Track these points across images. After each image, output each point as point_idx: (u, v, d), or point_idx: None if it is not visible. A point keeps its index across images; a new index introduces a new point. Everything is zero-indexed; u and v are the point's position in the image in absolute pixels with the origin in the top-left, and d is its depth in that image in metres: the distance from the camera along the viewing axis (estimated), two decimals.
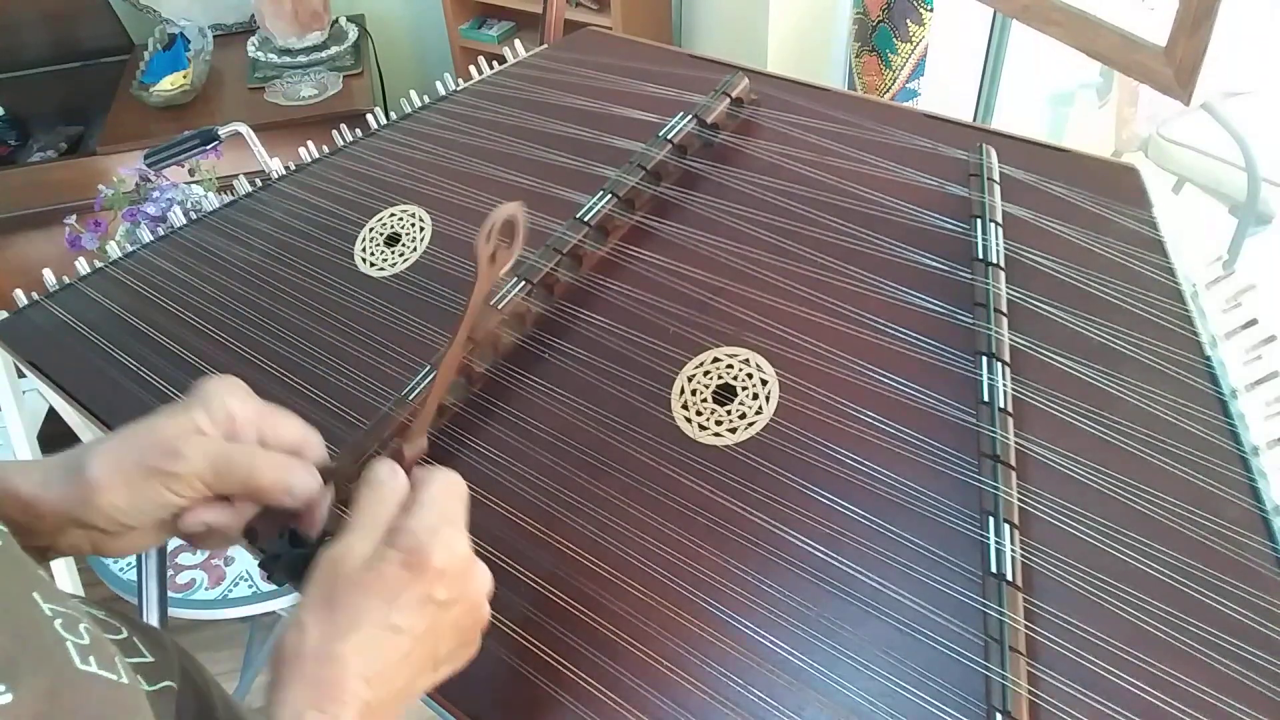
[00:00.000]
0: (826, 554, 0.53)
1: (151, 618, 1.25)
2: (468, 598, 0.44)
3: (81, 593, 1.64)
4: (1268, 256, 1.84)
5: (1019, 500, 0.53)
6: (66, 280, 0.83)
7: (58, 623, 0.33)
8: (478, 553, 0.56)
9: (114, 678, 0.33)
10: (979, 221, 0.66)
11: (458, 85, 0.96)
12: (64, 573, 1.62)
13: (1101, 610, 0.49)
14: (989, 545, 0.51)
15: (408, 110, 0.94)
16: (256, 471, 0.45)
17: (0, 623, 0.30)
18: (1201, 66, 0.75)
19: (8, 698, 0.28)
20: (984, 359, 0.59)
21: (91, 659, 0.33)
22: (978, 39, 1.64)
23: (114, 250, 0.85)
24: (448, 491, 0.45)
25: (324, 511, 0.49)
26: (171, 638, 0.46)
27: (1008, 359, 0.59)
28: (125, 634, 0.42)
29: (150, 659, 0.41)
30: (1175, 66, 0.78)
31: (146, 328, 0.76)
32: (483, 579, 0.45)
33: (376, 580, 0.41)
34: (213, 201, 0.89)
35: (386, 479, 0.45)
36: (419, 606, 0.41)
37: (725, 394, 0.62)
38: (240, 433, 0.47)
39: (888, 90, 1.93)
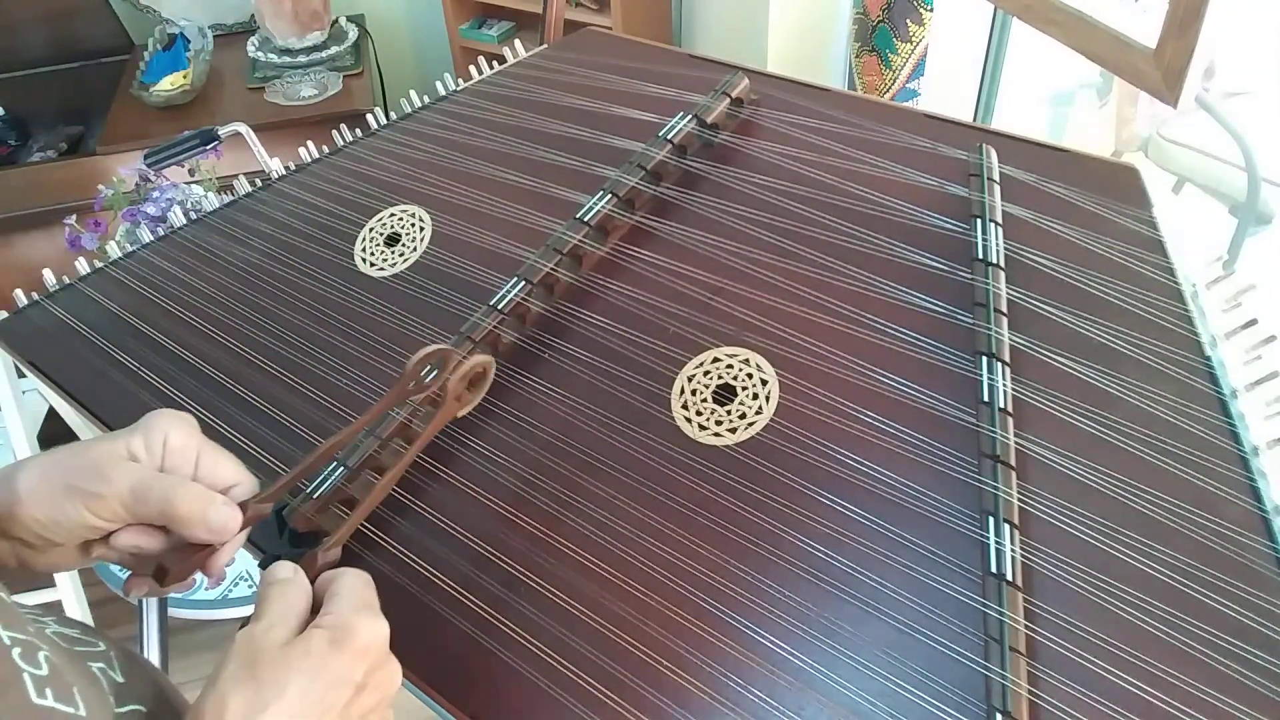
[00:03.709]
0: (826, 554, 0.53)
1: (151, 617, 1.25)
2: (381, 687, 0.44)
3: (81, 591, 1.64)
4: (1268, 256, 1.84)
5: (1019, 500, 0.53)
6: (66, 280, 0.83)
7: (16, 652, 0.32)
8: (478, 551, 0.57)
9: (70, 710, 0.33)
10: (979, 221, 0.66)
11: (458, 85, 0.96)
12: (65, 574, 1.62)
13: (1101, 610, 0.49)
14: (989, 545, 0.51)
15: (408, 110, 0.94)
16: (175, 500, 0.45)
17: None
18: (1189, 69, 0.75)
19: None
20: (984, 359, 0.59)
21: (48, 691, 0.33)
22: (978, 39, 1.64)
23: (114, 250, 0.85)
24: (363, 581, 0.46)
25: (229, 555, 0.49)
26: (152, 665, 0.46)
27: (1008, 359, 0.59)
28: (104, 647, 0.42)
29: (122, 680, 0.41)
30: (1163, 69, 0.78)
31: (146, 328, 0.76)
32: (395, 674, 0.45)
33: (302, 656, 0.41)
34: (213, 201, 0.89)
35: (290, 576, 0.45)
36: (339, 686, 0.41)
37: (725, 394, 0.62)
38: (174, 465, 0.47)
39: (888, 90, 1.93)
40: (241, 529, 0.48)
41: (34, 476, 0.45)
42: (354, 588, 0.45)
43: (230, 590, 1.45)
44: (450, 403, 0.55)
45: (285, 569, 0.46)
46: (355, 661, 0.42)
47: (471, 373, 0.56)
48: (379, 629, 0.44)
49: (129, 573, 0.49)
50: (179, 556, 0.47)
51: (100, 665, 0.40)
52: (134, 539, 0.47)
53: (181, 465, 0.48)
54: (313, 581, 0.46)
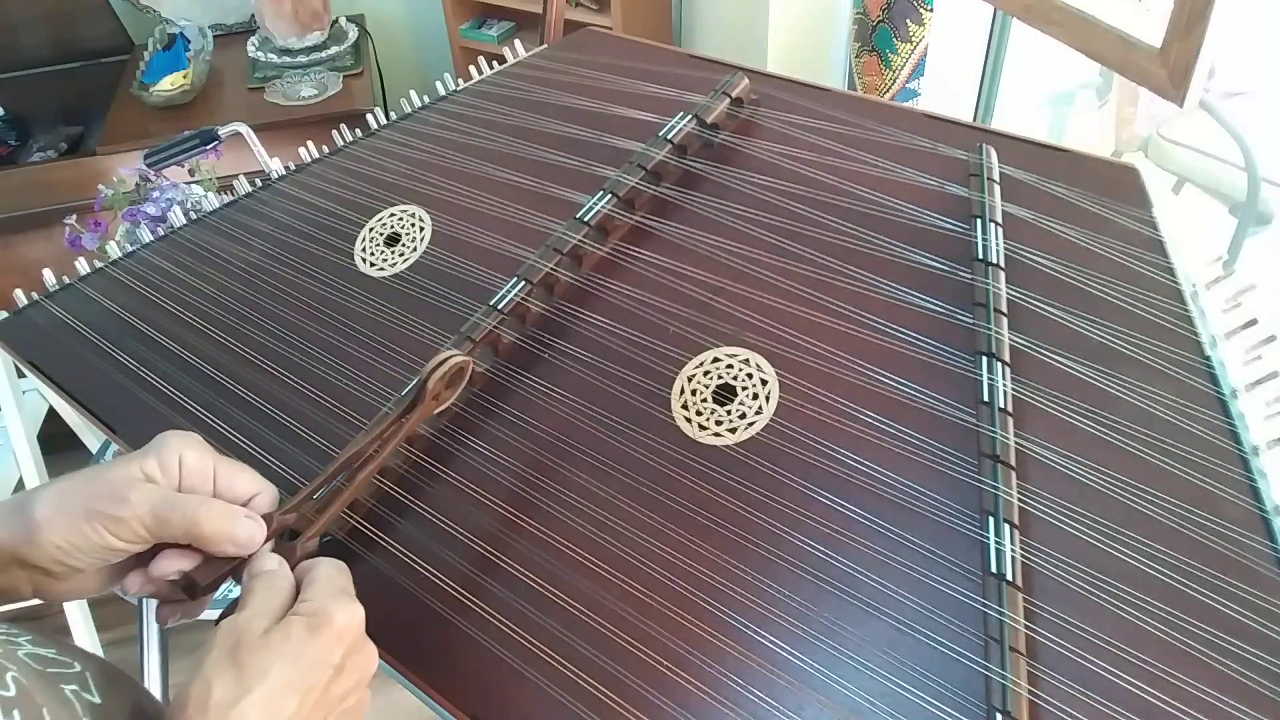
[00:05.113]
0: (826, 554, 0.53)
1: (151, 617, 1.24)
2: (358, 669, 0.45)
3: None
4: (1268, 256, 1.84)
5: (1019, 500, 0.53)
6: (66, 280, 0.83)
7: None
8: (478, 551, 0.57)
9: None
10: (979, 221, 0.66)
11: (458, 85, 0.96)
12: None
13: (1101, 610, 0.49)
14: (989, 545, 0.51)
15: (408, 110, 0.94)
16: (200, 519, 0.46)
17: None
18: (1195, 69, 0.75)
19: None
20: (984, 359, 0.59)
21: (15, 713, 0.33)
22: (978, 39, 1.64)
23: (114, 250, 0.85)
24: (337, 568, 0.48)
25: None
26: (135, 683, 0.46)
27: (1008, 359, 0.59)
28: (79, 668, 0.42)
29: (98, 700, 0.42)
30: (1169, 68, 0.78)
31: (146, 328, 0.76)
32: (372, 657, 0.47)
33: (282, 641, 0.43)
34: (213, 201, 0.89)
35: (275, 568, 0.47)
36: (318, 669, 0.43)
37: (725, 394, 0.62)
38: (193, 484, 0.48)
39: (888, 90, 1.93)
40: (267, 539, 0.49)
41: (50, 504, 0.45)
42: (328, 575, 0.47)
43: (230, 590, 1.44)
44: (429, 402, 0.57)
45: (270, 560, 0.47)
46: (333, 645, 0.44)
47: (450, 372, 0.57)
48: (355, 613, 0.45)
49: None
50: (206, 569, 0.48)
51: (74, 687, 0.40)
52: (174, 563, 0.47)
53: (200, 483, 0.49)
54: (293, 569, 0.48)
